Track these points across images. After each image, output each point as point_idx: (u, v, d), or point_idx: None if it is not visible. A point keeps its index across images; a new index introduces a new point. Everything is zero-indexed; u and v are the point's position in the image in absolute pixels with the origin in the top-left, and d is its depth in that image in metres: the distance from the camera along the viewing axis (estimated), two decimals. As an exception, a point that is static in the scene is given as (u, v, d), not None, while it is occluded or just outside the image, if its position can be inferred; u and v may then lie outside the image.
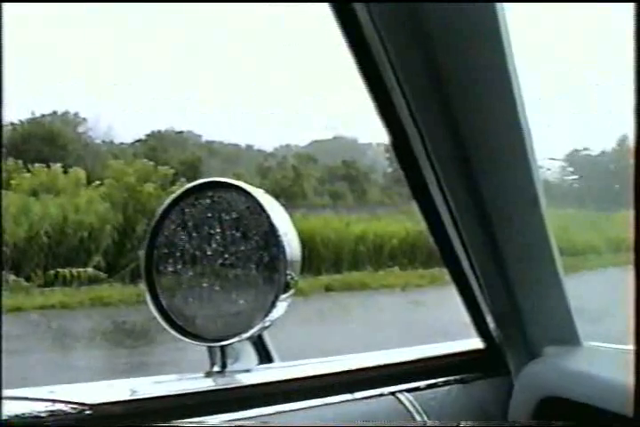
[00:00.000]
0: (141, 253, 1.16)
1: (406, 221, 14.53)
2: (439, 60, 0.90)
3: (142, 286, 1.16)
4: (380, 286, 12.62)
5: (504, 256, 1.14)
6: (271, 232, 1.07)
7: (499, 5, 0.86)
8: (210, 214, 1.12)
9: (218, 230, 1.11)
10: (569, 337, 1.26)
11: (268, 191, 1.15)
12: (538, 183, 1.06)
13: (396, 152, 1.09)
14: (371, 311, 10.71)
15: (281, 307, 1.08)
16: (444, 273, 1.29)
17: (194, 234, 1.12)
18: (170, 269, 1.13)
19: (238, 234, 1.10)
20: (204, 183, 1.13)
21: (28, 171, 13.75)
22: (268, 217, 1.07)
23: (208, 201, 1.12)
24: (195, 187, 1.13)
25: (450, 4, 0.85)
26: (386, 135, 1.06)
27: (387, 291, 12.31)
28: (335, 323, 9.80)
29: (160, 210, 1.15)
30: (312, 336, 7.87)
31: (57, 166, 14.03)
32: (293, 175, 26.17)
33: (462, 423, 1.13)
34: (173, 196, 1.15)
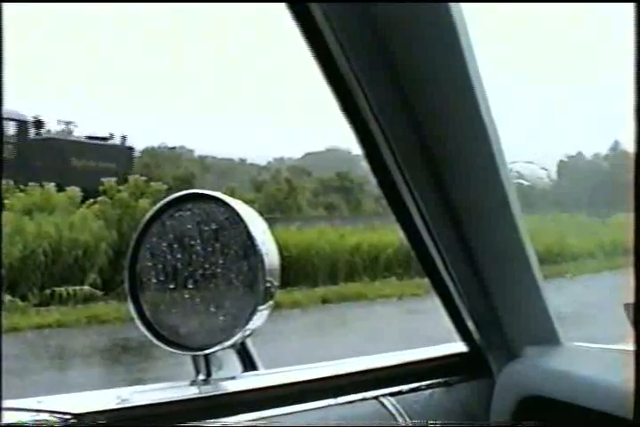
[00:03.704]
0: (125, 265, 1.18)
1: (401, 231, 14.47)
2: (399, 65, 0.92)
3: (127, 299, 1.17)
4: (377, 297, 12.60)
5: (479, 261, 1.16)
6: (250, 242, 1.09)
7: (454, 5, 0.88)
8: (190, 226, 1.14)
9: (198, 242, 1.13)
10: (548, 337, 1.27)
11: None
12: (508, 186, 1.07)
13: (369, 163, 1.11)
14: (368, 322, 10.69)
15: (262, 315, 1.10)
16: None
17: (175, 246, 1.14)
18: (152, 280, 1.15)
19: (218, 245, 1.12)
20: (184, 195, 1.15)
21: (21, 190, 13.73)
22: (246, 227, 1.10)
23: (188, 213, 1.15)
24: (175, 199, 1.16)
25: (404, 5, 0.87)
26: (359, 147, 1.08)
27: (383, 301, 12.29)
28: (333, 334, 9.78)
29: (142, 223, 1.17)
30: (310, 347, 7.86)
31: (50, 185, 14.02)
32: (287, 188, 26.19)
33: (430, 423, 1.15)
34: (155, 208, 1.17)
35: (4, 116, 15.40)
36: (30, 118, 16.57)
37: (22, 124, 16.47)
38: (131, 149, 19.25)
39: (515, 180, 1.14)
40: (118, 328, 9.29)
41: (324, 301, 12.38)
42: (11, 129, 15.91)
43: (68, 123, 17.91)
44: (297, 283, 12.30)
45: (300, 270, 13.01)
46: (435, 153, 1.02)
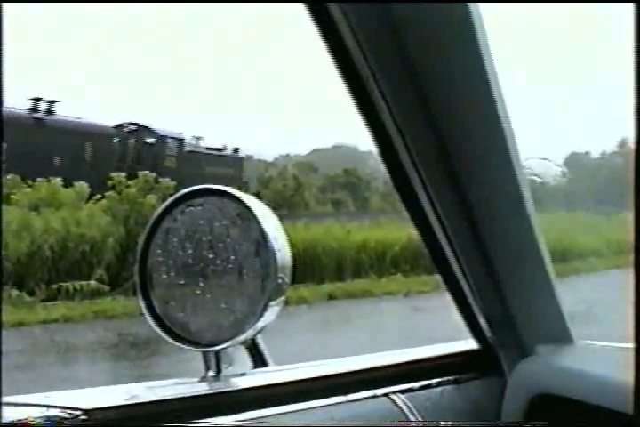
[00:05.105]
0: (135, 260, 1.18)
1: (408, 228, 14.49)
2: (417, 64, 0.92)
3: (137, 294, 1.17)
4: (383, 294, 12.60)
5: (493, 258, 1.15)
6: (262, 238, 1.08)
7: (472, 5, 0.88)
8: (201, 221, 1.13)
9: (209, 237, 1.12)
10: (561, 336, 1.27)
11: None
12: (523, 185, 1.07)
13: (383, 161, 1.10)
14: (373, 319, 10.69)
15: (273, 311, 1.09)
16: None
17: (186, 241, 1.14)
18: (163, 276, 1.15)
19: (229, 240, 1.11)
20: (195, 190, 1.15)
21: (29, 186, 13.77)
22: (258, 223, 1.09)
23: (199, 208, 1.14)
24: (186, 194, 1.15)
25: (424, 5, 0.86)
26: (374, 145, 1.08)
27: (390, 298, 12.29)
28: (338, 330, 9.79)
29: (153, 218, 1.16)
30: (314, 344, 7.87)
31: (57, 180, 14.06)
32: (294, 185, 26.27)
33: (442, 423, 1.14)
34: (165, 204, 1.16)
35: (165, 134, 20.39)
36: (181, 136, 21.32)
37: (179, 141, 21.12)
38: (242, 158, 24.56)
39: (529, 176, 1.13)
40: (126, 324, 9.31)
41: (331, 297, 12.38)
42: (171, 144, 20.72)
43: (198, 138, 22.56)
44: (303, 279, 12.30)
45: (306, 267, 13.02)
46: (450, 151, 1.02)
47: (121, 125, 20.07)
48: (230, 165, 23.07)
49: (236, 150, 24.22)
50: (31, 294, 10.78)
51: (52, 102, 18.05)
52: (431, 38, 0.90)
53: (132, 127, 20.16)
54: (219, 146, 23.49)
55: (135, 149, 19.81)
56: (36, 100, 17.80)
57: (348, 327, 10.00)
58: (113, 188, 13.81)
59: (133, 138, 19.99)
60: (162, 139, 20.46)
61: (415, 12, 0.88)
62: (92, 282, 11.44)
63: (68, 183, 14.24)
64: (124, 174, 14.15)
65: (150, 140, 20.19)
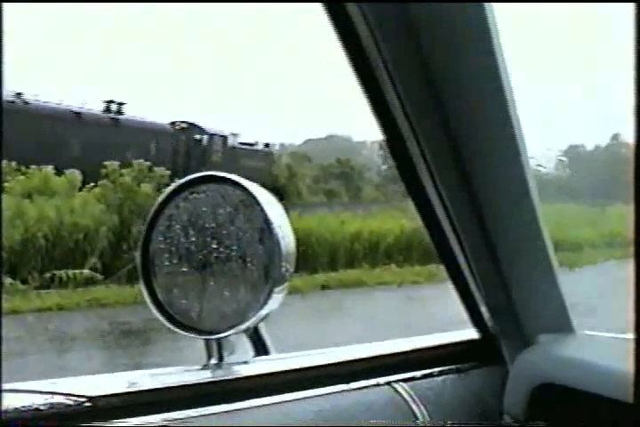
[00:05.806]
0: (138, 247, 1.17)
1: (401, 219, 14.59)
2: (430, 58, 0.93)
3: (139, 281, 1.16)
4: (377, 284, 12.64)
5: (497, 248, 1.15)
6: (266, 225, 1.08)
7: (487, 5, 0.89)
8: (204, 208, 1.12)
9: (213, 224, 1.12)
10: (562, 326, 1.27)
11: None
12: (529, 176, 1.08)
13: (390, 150, 1.10)
14: (365, 307, 10.73)
15: (276, 299, 1.09)
16: (441, 270, 1.30)
17: (189, 228, 1.13)
18: (166, 263, 1.14)
19: (233, 228, 1.11)
20: (199, 177, 1.14)
21: (23, 173, 13.71)
22: (262, 210, 1.08)
23: (202, 195, 1.13)
24: (189, 181, 1.14)
25: (440, 4, 0.87)
26: (380, 133, 1.08)
27: (383, 288, 12.33)
28: (330, 317, 9.82)
29: (155, 205, 1.15)
30: (307, 333, 7.88)
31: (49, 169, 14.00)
32: (288, 174, 26.30)
33: (449, 423, 1.15)
34: (168, 190, 1.15)
35: (212, 132, 22.46)
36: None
37: (223, 138, 23.32)
38: (272, 152, 27.12)
39: (534, 166, 1.14)
40: (119, 312, 9.31)
41: (324, 287, 12.41)
42: (217, 141, 23.01)
43: (235, 135, 24.29)
44: (297, 269, 12.27)
45: (299, 257, 12.97)
46: (460, 148, 1.03)
47: (173, 123, 22.21)
48: (262, 158, 25.39)
49: (267, 145, 26.65)
50: (24, 282, 10.76)
51: (121, 104, 20.28)
52: (447, 38, 0.92)
53: (184, 125, 22.26)
54: (251, 141, 25.64)
55: (186, 145, 21.95)
56: (109, 102, 20.04)
57: (342, 315, 10.04)
58: (106, 176, 13.77)
59: (184, 135, 22.09)
60: (210, 136, 22.68)
61: (432, 11, 0.89)
62: (86, 271, 11.42)
63: (60, 172, 14.22)
64: (117, 163, 14.11)
65: (198, 136, 22.30)
